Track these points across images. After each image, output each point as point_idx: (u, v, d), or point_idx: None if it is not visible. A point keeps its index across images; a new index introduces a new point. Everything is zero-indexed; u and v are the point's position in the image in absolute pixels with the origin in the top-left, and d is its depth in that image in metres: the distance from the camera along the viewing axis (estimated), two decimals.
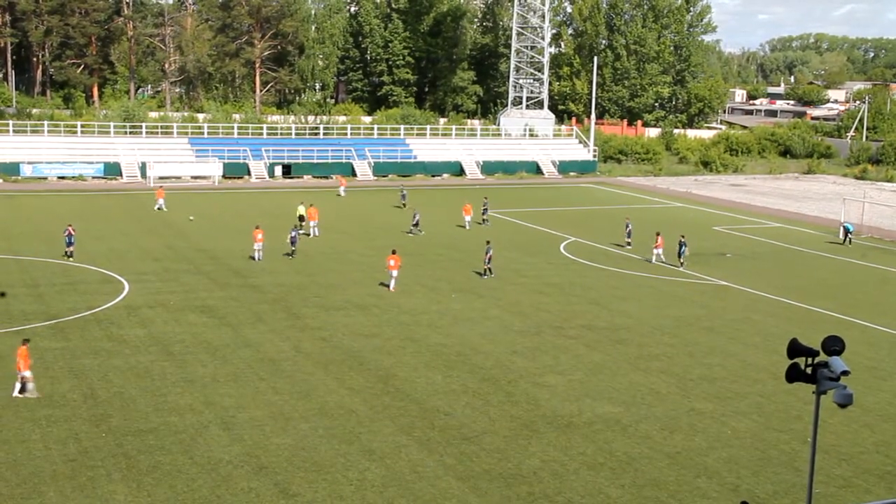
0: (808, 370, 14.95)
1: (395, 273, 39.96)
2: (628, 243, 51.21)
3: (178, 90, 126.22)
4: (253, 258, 44.70)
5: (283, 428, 24.24)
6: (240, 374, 28.37)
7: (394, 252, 40.90)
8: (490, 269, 42.97)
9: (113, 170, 75.57)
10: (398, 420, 25.14)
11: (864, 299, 41.64)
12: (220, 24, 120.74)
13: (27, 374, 25.81)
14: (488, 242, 44.78)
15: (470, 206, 57.16)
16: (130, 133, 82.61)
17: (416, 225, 53.63)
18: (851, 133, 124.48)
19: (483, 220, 57.89)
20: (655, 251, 47.10)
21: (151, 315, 34.80)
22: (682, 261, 46.32)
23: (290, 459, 22.33)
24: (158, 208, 59.78)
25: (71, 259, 43.34)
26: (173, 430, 23.84)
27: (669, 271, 45.76)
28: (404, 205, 63.14)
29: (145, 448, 22.66)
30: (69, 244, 43.85)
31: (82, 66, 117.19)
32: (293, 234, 46.52)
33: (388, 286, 40.17)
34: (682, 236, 47.11)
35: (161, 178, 73.56)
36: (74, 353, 29.81)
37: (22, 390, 25.79)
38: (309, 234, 51.36)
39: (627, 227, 51.96)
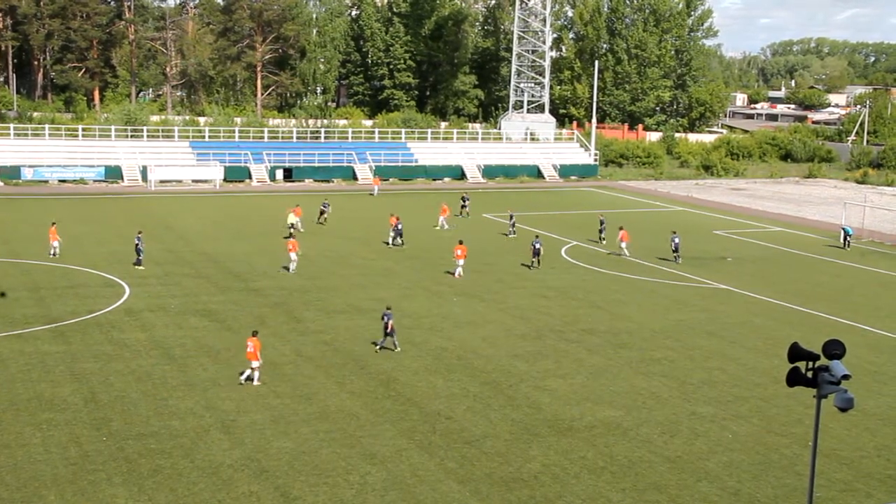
0: (809, 374, 14.98)
1: (461, 262, 43.21)
2: (602, 239, 54.06)
3: (179, 94, 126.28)
4: (287, 269, 43.40)
5: (283, 432, 24.25)
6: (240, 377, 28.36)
7: (461, 242, 44.16)
8: (538, 262, 45.81)
9: (114, 173, 75.64)
10: (399, 424, 25.14)
11: (864, 303, 41.65)
12: (222, 27, 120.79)
13: (256, 363, 27.54)
14: (537, 236, 47.41)
15: (447, 207, 59.00)
16: (132, 137, 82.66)
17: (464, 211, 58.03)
18: (852, 137, 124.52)
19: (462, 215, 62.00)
20: (622, 245, 49.72)
21: (152, 319, 34.81)
22: (676, 255, 49.07)
23: (291, 463, 22.33)
24: (291, 225, 52.87)
25: (141, 267, 42.65)
26: (174, 433, 23.84)
27: (669, 275, 45.79)
28: (323, 220, 58.11)
29: (146, 452, 22.67)
30: (139, 252, 43.04)
31: (83, 70, 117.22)
32: (398, 226, 50.70)
33: (452, 273, 43.36)
34: (674, 232, 50.38)
35: (162, 181, 73.68)
36: (75, 357, 29.83)
37: (249, 378, 27.61)
38: (291, 236, 51.29)
39: (602, 224, 54.90)
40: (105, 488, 20.71)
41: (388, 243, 51.25)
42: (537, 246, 46.20)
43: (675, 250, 49.01)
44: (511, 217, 57.67)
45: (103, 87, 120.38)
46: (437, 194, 72.22)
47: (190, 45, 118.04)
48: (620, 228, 50.61)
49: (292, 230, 51.17)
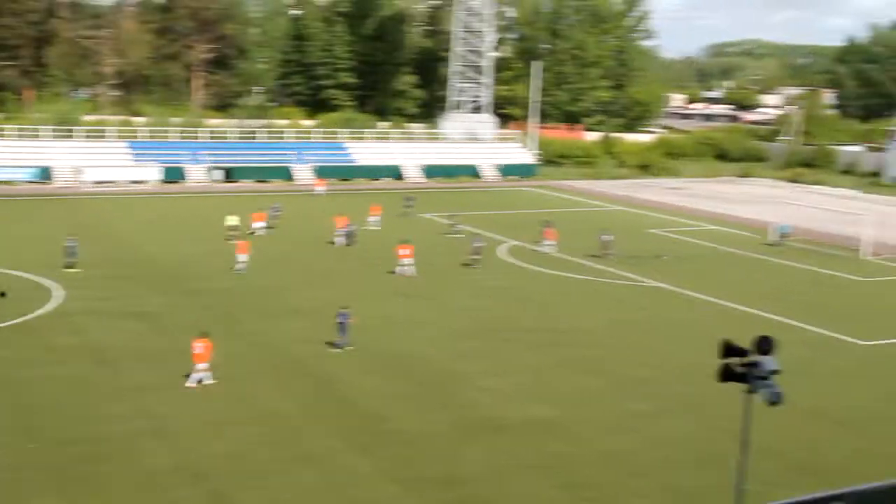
0: (740, 370, 15.29)
1: (408, 261, 43.54)
2: (545, 241, 54.19)
3: (115, 93, 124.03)
4: (235, 270, 43.17)
5: (219, 435, 23.96)
6: (175, 381, 27.93)
7: (405, 242, 44.49)
8: (478, 262, 46.27)
9: (46, 174, 74.00)
10: (336, 425, 25.01)
11: (796, 300, 42.53)
12: (160, 26, 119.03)
13: (204, 365, 27.36)
14: (478, 236, 48.63)
15: (379, 207, 58.98)
16: (65, 137, 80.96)
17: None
18: (787, 137, 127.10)
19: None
20: (548, 242, 51.18)
21: (86, 322, 34.15)
22: (608, 253, 49.92)
23: (227, 466, 22.08)
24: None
25: (74, 270, 41.87)
26: (107, 439, 23.41)
27: (607, 273, 46.28)
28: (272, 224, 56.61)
29: (78, 458, 22.22)
30: (72, 255, 42.42)
31: (16, 69, 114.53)
32: (350, 227, 51.08)
33: (399, 273, 43.42)
34: (605, 230, 51.93)
35: (97, 182, 72.31)
36: (4, 363, 29.13)
37: (200, 380, 27.39)
38: (235, 238, 50.62)
39: (546, 225, 54.70)
40: (35, 497, 20.26)
41: (332, 243, 51.05)
42: (478, 245, 46.49)
43: (606, 248, 49.98)
44: (453, 217, 57.79)
45: (36, 86, 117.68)
46: (375, 194, 72.05)
47: (127, 44, 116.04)
48: (549, 226, 52.24)
49: (236, 232, 50.65)
